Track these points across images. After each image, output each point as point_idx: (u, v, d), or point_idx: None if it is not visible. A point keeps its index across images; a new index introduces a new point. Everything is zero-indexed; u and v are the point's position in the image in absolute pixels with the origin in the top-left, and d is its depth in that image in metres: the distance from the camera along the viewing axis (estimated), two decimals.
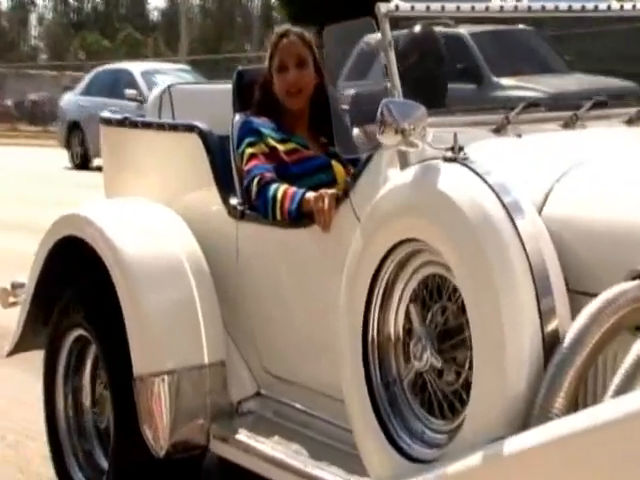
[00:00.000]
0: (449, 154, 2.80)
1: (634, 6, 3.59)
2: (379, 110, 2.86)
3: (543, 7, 3.42)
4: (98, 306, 3.80)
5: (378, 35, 3.17)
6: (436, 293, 2.87)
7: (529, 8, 3.41)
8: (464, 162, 2.77)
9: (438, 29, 3.57)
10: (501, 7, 3.37)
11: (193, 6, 55.23)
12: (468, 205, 2.63)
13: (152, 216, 3.86)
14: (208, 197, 3.85)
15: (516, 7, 3.40)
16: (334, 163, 3.76)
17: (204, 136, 3.86)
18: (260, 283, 3.68)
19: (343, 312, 3.02)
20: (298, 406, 3.58)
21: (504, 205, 2.61)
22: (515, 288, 2.55)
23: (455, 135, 2.81)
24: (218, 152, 3.86)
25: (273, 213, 3.54)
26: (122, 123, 4.15)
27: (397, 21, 3.18)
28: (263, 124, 3.75)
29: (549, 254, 2.60)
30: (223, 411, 3.64)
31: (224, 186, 3.81)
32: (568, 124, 3.33)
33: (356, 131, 3.18)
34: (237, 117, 3.92)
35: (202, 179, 3.87)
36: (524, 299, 2.55)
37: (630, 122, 3.43)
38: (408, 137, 2.83)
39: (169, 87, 4.47)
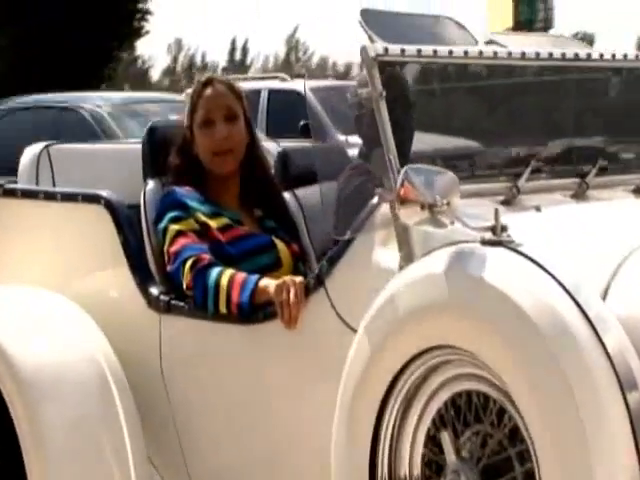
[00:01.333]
0: (489, 235, 2.18)
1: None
2: (399, 180, 2.21)
3: (537, 54, 2.86)
4: None
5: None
6: (471, 415, 2.22)
7: (523, 54, 2.84)
8: (512, 246, 2.14)
9: None
10: (495, 52, 2.78)
11: None
12: (536, 309, 2.01)
13: (51, 311, 3.05)
14: (120, 284, 3.08)
15: (510, 53, 2.82)
16: (277, 241, 3.07)
17: (112, 208, 3.10)
18: (193, 395, 2.93)
19: (340, 449, 2.33)
20: None
21: (582, 311, 2.00)
22: (605, 418, 1.93)
23: (497, 212, 2.19)
24: (129, 228, 3.11)
25: (216, 305, 2.81)
26: (8, 193, 3.32)
27: (384, 67, 2.54)
28: (188, 195, 3.02)
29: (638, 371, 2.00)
30: None
31: (140, 270, 3.06)
32: (578, 194, 2.76)
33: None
34: (151, 184, 3.18)
35: (111, 262, 3.10)
36: (616, 432, 1.93)
37: (637, 192, 2.91)
38: (437, 214, 2.18)
39: (47, 146, 3.66)
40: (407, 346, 2.22)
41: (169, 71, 41.38)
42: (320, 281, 2.61)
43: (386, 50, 2.53)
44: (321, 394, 2.56)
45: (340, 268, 2.58)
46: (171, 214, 2.97)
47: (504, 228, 2.18)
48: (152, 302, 2.99)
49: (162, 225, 2.97)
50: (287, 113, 10.15)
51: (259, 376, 2.77)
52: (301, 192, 3.33)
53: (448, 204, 2.16)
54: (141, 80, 33.96)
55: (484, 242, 2.17)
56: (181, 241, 2.93)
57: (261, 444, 2.78)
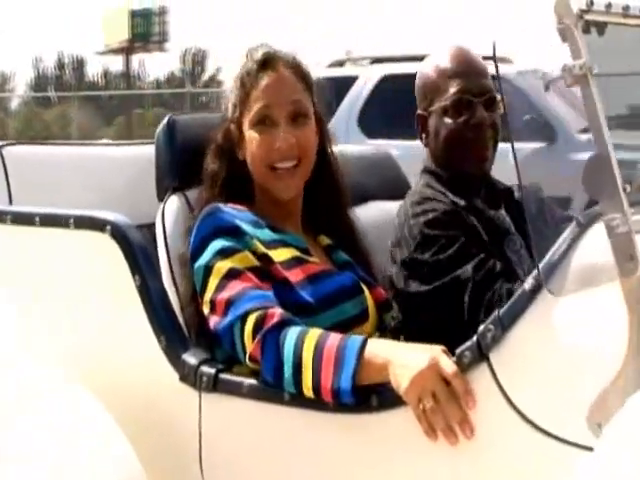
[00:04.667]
0: None
1: None
2: None
3: None
4: None
5: None
6: None
7: None
8: None
9: None
10: None
11: None
12: None
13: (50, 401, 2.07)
14: (138, 350, 2.13)
15: None
16: (361, 283, 2.18)
17: (123, 237, 2.15)
18: None
19: None
20: None
21: None
22: None
23: None
24: (147, 265, 2.16)
25: (298, 386, 1.89)
26: None
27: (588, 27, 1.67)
28: (240, 215, 2.10)
29: None
30: None
31: (166, 326, 2.12)
32: None
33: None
34: (174, 201, 2.26)
35: (123, 316, 2.15)
36: None
37: None
38: None
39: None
40: None
41: None
42: (481, 354, 1.72)
43: (591, 3, 1.66)
44: None
45: (518, 333, 1.69)
46: (218, 244, 2.04)
47: None
48: (188, 375, 2.05)
49: (204, 261, 2.04)
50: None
51: None
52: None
53: None
54: None
55: None
56: (236, 285, 1.99)
57: None
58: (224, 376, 2.02)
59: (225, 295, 1.99)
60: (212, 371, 2.03)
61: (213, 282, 2.02)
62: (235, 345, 1.98)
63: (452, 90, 2.27)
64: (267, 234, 2.10)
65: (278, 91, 2.14)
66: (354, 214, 2.33)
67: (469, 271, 2.10)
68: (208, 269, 2.03)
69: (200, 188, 2.20)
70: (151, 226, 2.28)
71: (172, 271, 2.19)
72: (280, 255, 2.08)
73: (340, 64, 9.10)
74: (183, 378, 2.06)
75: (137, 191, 2.47)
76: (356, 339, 1.87)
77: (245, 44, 2.20)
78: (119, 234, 2.15)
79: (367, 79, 8.46)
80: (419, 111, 2.34)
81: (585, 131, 7.77)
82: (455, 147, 2.27)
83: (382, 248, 2.31)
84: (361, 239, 2.31)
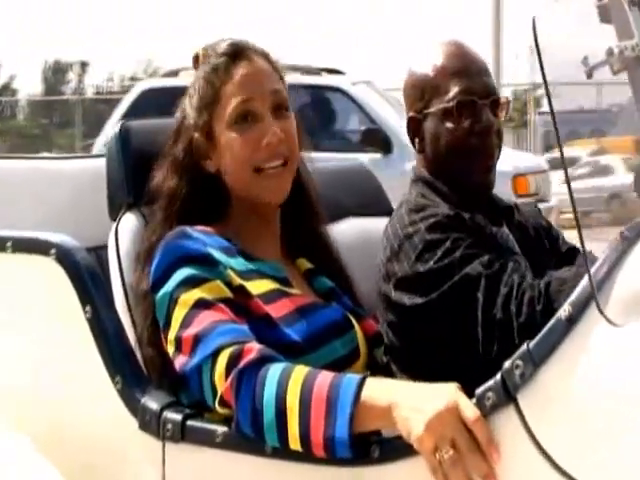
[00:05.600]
0: None
1: None
2: None
3: None
4: None
5: None
6: None
7: None
8: None
9: None
10: None
11: None
12: None
13: None
14: (90, 392, 1.82)
15: None
16: (350, 316, 1.89)
17: (71, 262, 1.85)
18: None
19: None
20: None
21: None
22: None
23: None
24: (99, 294, 1.86)
25: (282, 437, 1.59)
26: None
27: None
28: (210, 239, 1.80)
29: None
30: None
31: (122, 366, 1.81)
32: None
33: None
34: (130, 219, 1.96)
35: (71, 354, 1.85)
36: None
37: None
38: None
39: None
40: None
41: None
42: (508, 395, 1.44)
43: None
44: None
45: (552, 371, 1.41)
46: (184, 272, 1.73)
47: None
48: (149, 422, 1.74)
49: (167, 292, 1.74)
50: (323, 117, 8.25)
51: None
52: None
53: None
54: None
55: None
56: (205, 318, 1.69)
57: None
58: (193, 423, 1.72)
59: (192, 331, 1.69)
60: (178, 417, 1.72)
61: (178, 316, 1.72)
62: (203, 388, 1.68)
63: (455, 90, 2.00)
64: (242, 263, 1.80)
65: (257, 82, 1.85)
66: (331, 233, 2.05)
67: (479, 267, 1.83)
68: (172, 301, 1.73)
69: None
70: (103, 249, 1.98)
71: (128, 301, 1.90)
72: (258, 287, 1.79)
73: (175, 74, 9.11)
74: (143, 426, 1.75)
75: (86, 209, 2.17)
76: (351, 378, 1.58)
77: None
78: (66, 258, 1.85)
79: None
80: (411, 113, 2.06)
81: None
82: (458, 155, 1.98)
83: (362, 269, 2.04)
84: (343, 261, 2.03)
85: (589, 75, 1.31)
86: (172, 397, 1.76)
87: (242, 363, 1.62)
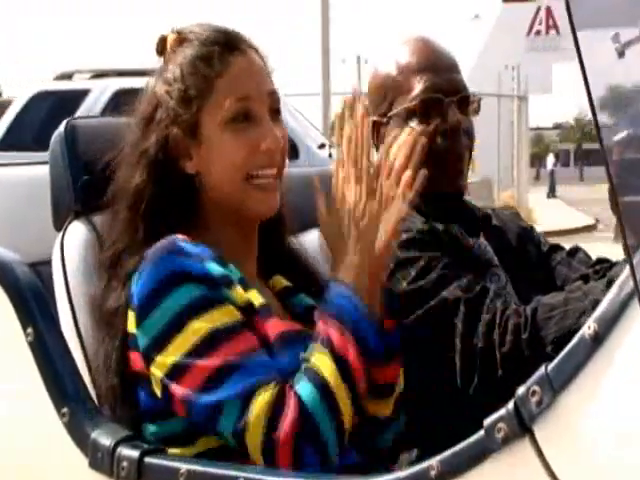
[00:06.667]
0: None
1: None
2: None
3: None
4: None
5: None
6: None
7: None
8: None
9: None
10: None
11: None
12: None
13: None
14: (32, 425, 1.60)
15: None
16: None
17: (11, 279, 1.63)
18: None
19: None
20: None
21: None
22: None
23: None
24: (43, 315, 1.64)
25: (339, 429, 1.50)
26: None
27: None
28: (205, 254, 1.56)
29: None
30: None
31: (70, 396, 1.60)
32: None
33: None
34: (79, 229, 1.75)
35: (13, 379, 1.63)
36: None
37: None
38: None
39: None
40: None
41: None
42: (523, 426, 1.25)
43: None
44: None
45: (574, 398, 1.22)
46: (189, 291, 1.52)
47: None
48: (101, 459, 1.53)
49: (168, 308, 1.51)
50: None
51: None
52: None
53: None
54: None
55: None
56: (224, 349, 1.50)
57: None
58: (151, 460, 1.50)
59: (207, 363, 1.49)
60: (135, 454, 1.51)
61: (185, 342, 1.50)
62: (219, 425, 1.48)
63: (419, 88, 1.84)
64: (236, 274, 1.60)
65: (255, 79, 1.65)
66: (300, 245, 1.86)
67: (457, 291, 1.67)
68: (175, 322, 1.51)
69: (110, 210, 1.68)
70: (47, 264, 1.77)
71: (76, 322, 1.68)
72: (257, 298, 1.60)
73: (69, 76, 9.07)
74: (94, 463, 1.54)
75: (26, 219, 1.95)
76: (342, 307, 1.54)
77: None
78: (5, 275, 1.63)
79: (101, 92, 8.55)
80: (374, 117, 1.89)
81: (323, 146, 8.46)
82: (424, 159, 1.81)
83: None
84: (320, 274, 1.83)
85: (621, 53, 1.14)
86: (128, 431, 1.55)
87: (287, 425, 1.45)
